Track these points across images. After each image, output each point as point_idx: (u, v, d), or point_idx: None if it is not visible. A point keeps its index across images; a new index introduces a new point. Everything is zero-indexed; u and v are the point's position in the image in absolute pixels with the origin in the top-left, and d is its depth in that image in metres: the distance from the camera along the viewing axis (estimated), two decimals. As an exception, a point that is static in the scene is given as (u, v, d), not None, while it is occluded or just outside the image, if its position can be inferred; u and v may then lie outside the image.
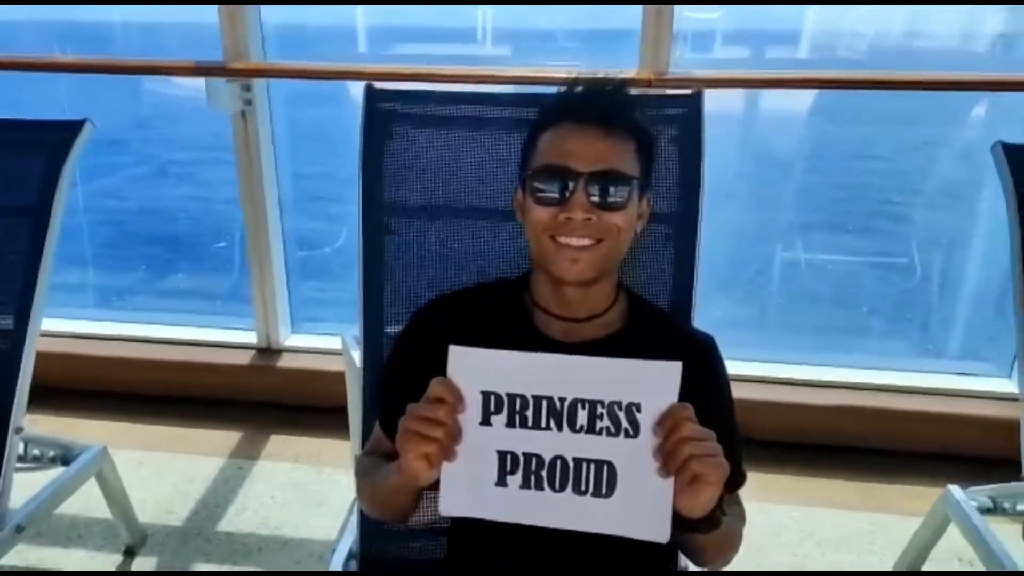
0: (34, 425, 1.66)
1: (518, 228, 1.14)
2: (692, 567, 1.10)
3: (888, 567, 1.80)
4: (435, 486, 0.86)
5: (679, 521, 0.84)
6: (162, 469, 2.18)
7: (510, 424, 0.83)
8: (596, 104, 1.02)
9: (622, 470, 0.82)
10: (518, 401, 0.83)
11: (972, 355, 2.60)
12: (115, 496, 1.77)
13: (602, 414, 0.82)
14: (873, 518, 2.01)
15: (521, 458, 0.84)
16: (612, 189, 0.98)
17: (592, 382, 0.82)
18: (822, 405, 2.25)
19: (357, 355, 1.34)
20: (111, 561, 1.83)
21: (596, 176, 0.97)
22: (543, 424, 0.83)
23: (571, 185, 0.97)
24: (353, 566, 1.28)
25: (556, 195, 0.98)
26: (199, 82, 2.14)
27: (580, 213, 0.97)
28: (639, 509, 0.83)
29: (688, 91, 1.24)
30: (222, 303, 3.33)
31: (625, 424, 0.82)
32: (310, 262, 2.79)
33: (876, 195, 4.10)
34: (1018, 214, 1.41)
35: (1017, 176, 1.42)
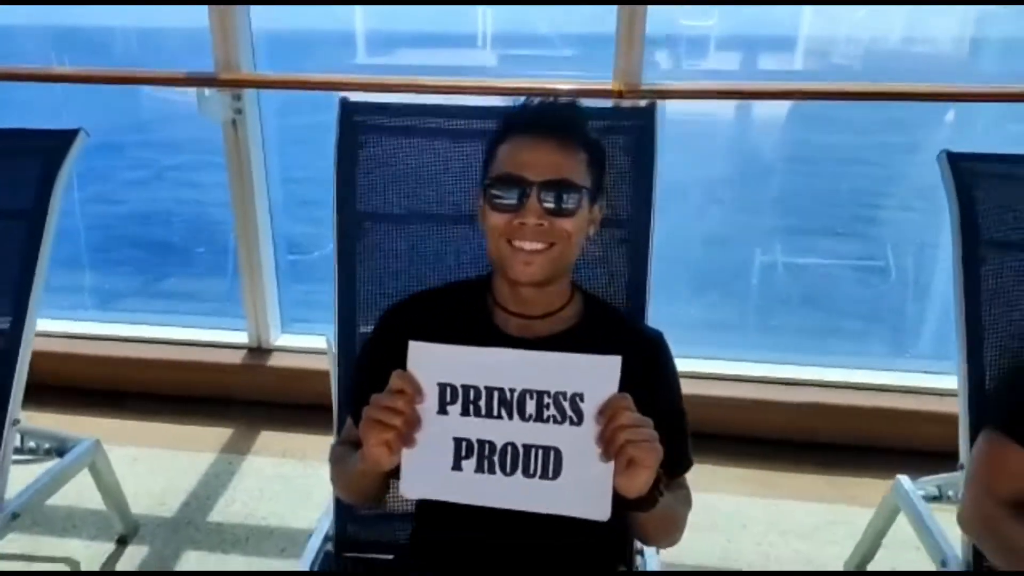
0: (32, 422, 1.75)
1: (481, 232, 1.22)
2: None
3: (847, 555, 1.88)
4: (398, 472, 0.93)
5: (620, 501, 0.92)
6: (155, 464, 2.26)
7: (465, 413, 0.90)
8: (550, 118, 1.11)
9: (567, 455, 0.89)
10: (472, 392, 0.89)
11: (942, 355, 2.68)
12: (108, 487, 1.86)
13: (549, 404, 0.88)
14: (837, 509, 2.09)
15: (475, 444, 0.90)
16: (563, 197, 1.06)
17: (539, 375, 0.88)
18: (794, 402, 2.33)
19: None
20: (104, 550, 1.91)
21: (548, 185, 1.06)
22: (495, 413, 0.89)
23: (525, 193, 1.05)
24: (329, 547, 1.37)
25: (512, 202, 1.06)
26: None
27: (533, 219, 1.05)
28: (582, 490, 0.89)
29: (643, 103, 1.33)
30: (217, 305, 3.41)
31: (570, 413, 0.88)
32: (300, 265, 2.87)
33: (862, 199, 4.20)
34: (960, 220, 1.48)
35: (959, 183, 1.49)
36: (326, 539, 1.38)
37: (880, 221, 4.10)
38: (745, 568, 1.90)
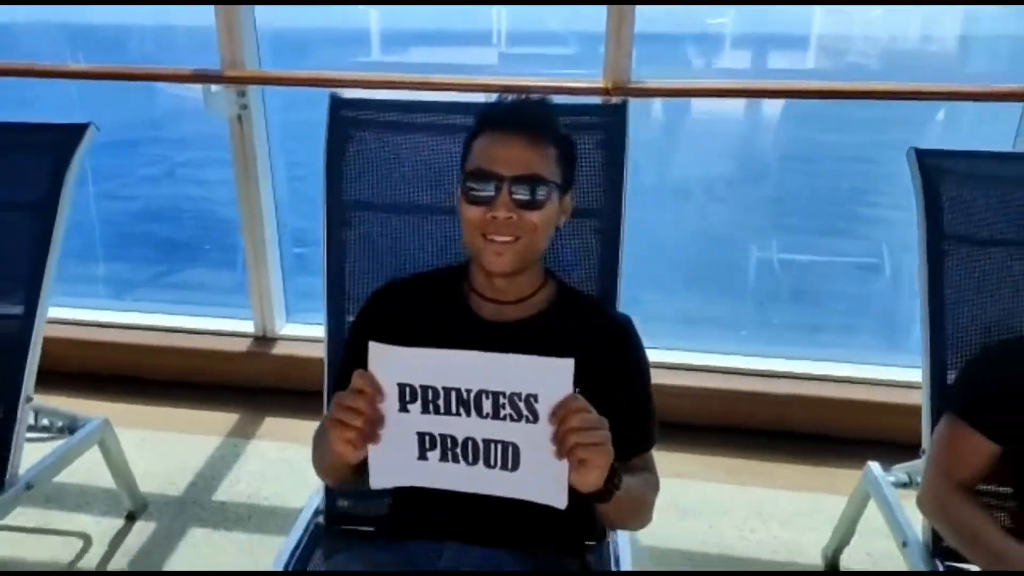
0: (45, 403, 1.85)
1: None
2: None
3: (824, 542, 1.94)
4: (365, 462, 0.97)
5: (577, 492, 0.96)
6: (164, 446, 2.36)
7: (425, 411, 0.92)
8: (521, 116, 1.17)
9: (524, 450, 0.92)
10: (430, 392, 0.92)
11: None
12: (117, 466, 1.95)
13: (504, 403, 0.90)
14: (818, 498, 2.15)
15: (438, 438, 0.94)
16: (533, 191, 1.13)
17: (495, 376, 0.90)
18: (780, 393, 2.38)
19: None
20: (114, 525, 2.01)
21: (519, 180, 1.12)
22: (454, 411, 0.92)
23: (498, 187, 1.12)
24: (320, 519, 1.45)
25: (486, 195, 1.13)
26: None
27: (504, 212, 1.12)
28: (540, 481, 0.93)
29: (615, 100, 1.40)
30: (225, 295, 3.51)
31: (525, 412, 0.90)
32: (305, 258, 2.96)
33: (863, 197, 4.22)
34: (925, 215, 1.53)
35: (925, 179, 1.54)
36: (316, 513, 1.46)
37: (876, 220, 4.13)
38: (725, 552, 1.96)
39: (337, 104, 1.44)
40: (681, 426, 2.36)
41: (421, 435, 0.94)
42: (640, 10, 2.08)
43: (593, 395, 1.01)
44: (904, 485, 1.68)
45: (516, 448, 0.92)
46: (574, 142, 1.25)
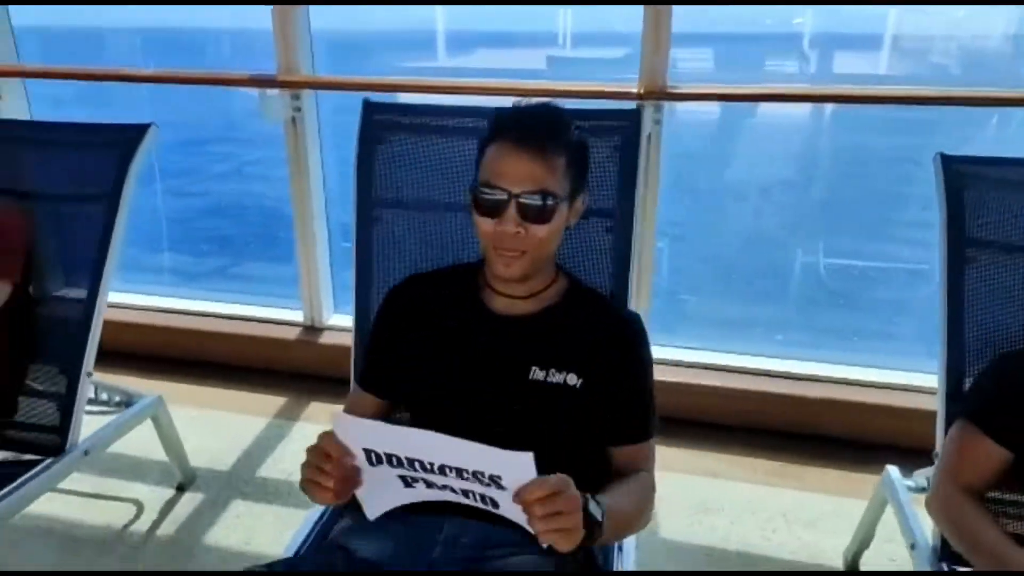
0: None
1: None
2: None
3: (845, 545, 1.94)
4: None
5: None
6: (214, 425, 2.51)
7: (394, 467, 0.96)
8: (530, 126, 1.18)
9: (501, 500, 0.94)
10: (395, 459, 0.95)
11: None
12: (169, 440, 2.11)
13: (469, 477, 0.92)
14: (846, 502, 2.14)
15: (420, 478, 0.97)
16: (539, 206, 1.16)
17: (457, 457, 0.91)
18: (810, 397, 2.37)
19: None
20: (165, 494, 2.17)
21: (525, 196, 1.16)
22: (423, 471, 0.95)
23: (505, 202, 1.16)
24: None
25: (494, 206, 1.17)
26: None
27: (511, 227, 1.16)
28: (523, 516, 0.94)
29: (631, 105, 1.45)
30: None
31: (491, 485, 0.92)
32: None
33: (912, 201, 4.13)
34: (947, 220, 1.53)
35: (949, 184, 1.54)
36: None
37: (925, 224, 4.02)
38: (746, 551, 1.98)
39: (369, 108, 1.54)
40: (713, 426, 2.38)
41: (402, 477, 0.98)
42: (713, 10, 2.10)
43: (596, 389, 1.06)
44: (922, 490, 1.67)
45: (494, 500, 0.95)
46: (586, 144, 1.27)
